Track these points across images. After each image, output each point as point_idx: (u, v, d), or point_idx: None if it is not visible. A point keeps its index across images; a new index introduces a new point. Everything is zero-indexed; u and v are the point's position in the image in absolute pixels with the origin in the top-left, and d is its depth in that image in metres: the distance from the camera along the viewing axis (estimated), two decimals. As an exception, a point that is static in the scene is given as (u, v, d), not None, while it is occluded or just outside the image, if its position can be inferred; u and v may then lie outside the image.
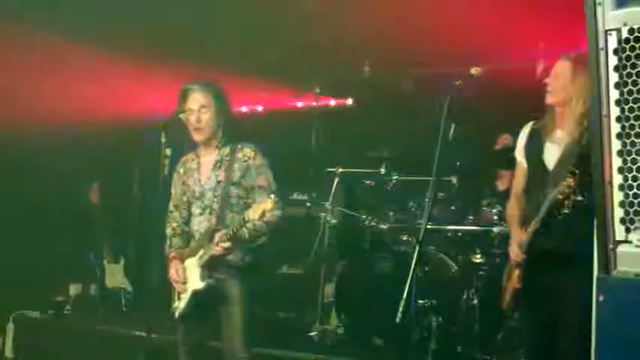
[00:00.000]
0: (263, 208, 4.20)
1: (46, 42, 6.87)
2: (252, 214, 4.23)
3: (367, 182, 6.91)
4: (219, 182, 4.58)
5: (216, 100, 4.61)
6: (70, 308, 7.60)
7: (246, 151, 4.61)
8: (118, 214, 8.61)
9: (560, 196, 3.60)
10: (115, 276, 7.90)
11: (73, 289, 7.86)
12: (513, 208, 4.30)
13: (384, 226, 6.55)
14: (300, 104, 8.56)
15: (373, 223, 6.57)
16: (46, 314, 7.44)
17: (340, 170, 6.74)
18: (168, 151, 4.72)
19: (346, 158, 6.92)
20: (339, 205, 6.85)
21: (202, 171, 4.68)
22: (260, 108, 9.36)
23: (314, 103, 6.87)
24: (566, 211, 3.59)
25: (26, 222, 7.78)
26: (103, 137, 7.87)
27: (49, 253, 7.80)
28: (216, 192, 4.58)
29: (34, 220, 7.85)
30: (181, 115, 4.64)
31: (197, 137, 4.65)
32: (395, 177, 6.63)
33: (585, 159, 3.75)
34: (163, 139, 4.72)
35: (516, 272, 4.10)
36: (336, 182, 6.71)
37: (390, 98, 7.86)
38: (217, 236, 4.41)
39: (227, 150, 4.64)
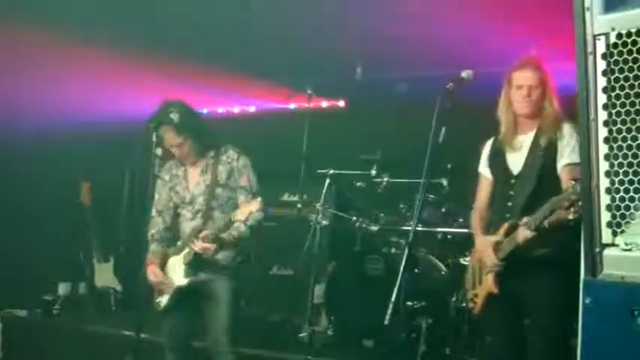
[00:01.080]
0: (250, 209, 4.28)
1: (38, 41, 6.85)
2: (240, 215, 4.33)
3: (358, 184, 6.91)
4: (207, 186, 4.68)
5: (190, 131, 4.68)
6: (58, 307, 7.57)
7: (230, 153, 4.75)
8: (108, 214, 8.59)
9: (566, 203, 3.59)
10: (105, 275, 7.87)
11: (62, 289, 7.83)
12: (477, 220, 4.41)
13: (374, 228, 6.55)
14: (292, 106, 8.55)
15: (364, 225, 6.57)
16: (35, 313, 7.42)
17: (331, 172, 6.74)
18: (158, 151, 4.76)
19: (337, 160, 6.92)
20: (330, 206, 6.85)
21: (190, 178, 4.79)
22: (252, 109, 9.36)
23: (306, 105, 6.86)
24: (570, 217, 3.59)
25: (15, 220, 7.75)
26: (93, 136, 7.85)
27: (37, 252, 7.76)
28: (205, 195, 4.68)
29: (23, 219, 7.82)
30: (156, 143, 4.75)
31: (188, 162, 4.79)
32: (386, 179, 6.64)
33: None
34: (154, 139, 4.75)
35: (490, 277, 4.13)
36: (327, 184, 6.72)
37: (382, 100, 7.87)
38: (201, 235, 4.49)
39: (211, 153, 4.76)
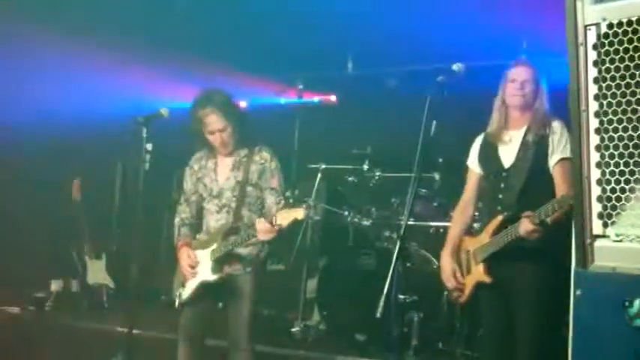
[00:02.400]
0: (295, 216, 4.29)
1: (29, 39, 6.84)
2: (282, 219, 4.30)
3: (350, 179, 6.92)
4: (237, 182, 4.67)
5: (232, 116, 4.67)
6: (51, 304, 7.55)
7: (264, 154, 4.74)
8: (100, 210, 8.56)
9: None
10: (97, 272, 7.85)
11: (55, 286, 7.80)
12: (458, 213, 4.55)
13: (366, 223, 6.57)
14: (283, 101, 8.53)
15: (356, 220, 6.58)
16: (27, 311, 7.39)
17: (323, 167, 6.74)
18: (149, 146, 4.74)
19: (329, 155, 6.91)
20: (322, 201, 6.85)
21: (220, 171, 4.77)
22: (243, 104, 9.32)
23: (297, 100, 6.86)
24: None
25: (6, 217, 7.72)
26: (84, 133, 7.83)
27: (30, 249, 7.74)
28: (234, 192, 4.67)
29: (15, 216, 7.80)
30: (193, 129, 4.73)
31: (223, 152, 4.75)
32: (378, 173, 6.65)
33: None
34: (144, 134, 4.74)
35: (481, 267, 4.19)
36: (318, 179, 6.71)
37: (374, 95, 7.87)
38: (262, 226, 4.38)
39: (245, 151, 4.74)
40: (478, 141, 4.48)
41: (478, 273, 4.22)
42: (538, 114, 4.16)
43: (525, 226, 3.92)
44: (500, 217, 4.13)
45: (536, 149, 4.11)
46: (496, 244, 4.11)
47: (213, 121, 4.62)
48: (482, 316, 4.46)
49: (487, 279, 4.16)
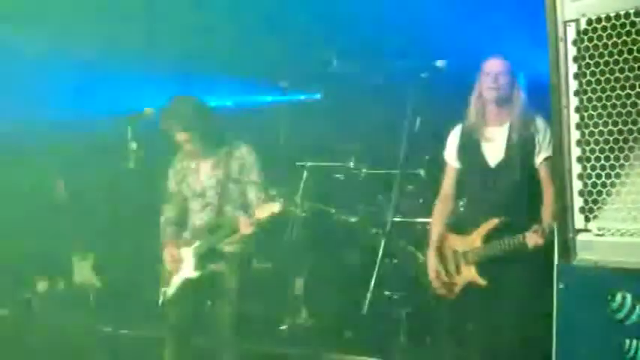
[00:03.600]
0: (272, 210, 4.42)
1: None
2: (260, 213, 4.44)
3: (336, 176, 6.91)
4: (219, 180, 4.74)
5: (198, 125, 4.72)
6: (37, 305, 7.53)
7: (243, 151, 4.82)
8: (87, 210, 8.53)
9: None
10: (84, 272, 7.83)
11: (41, 286, 7.78)
12: (439, 211, 4.54)
13: (353, 220, 6.57)
14: (268, 99, 8.53)
15: (342, 217, 6.58)
16: (14, 311, 7.36)
17: (309, 164, 6.73)
18: (134, 145, 4.77)
19: (315, 152, 6.91)
20: (308, 198, 6.85)
21: (202, 170, 4.83)
22: (229, 103, 9.31)
23: (282, 98, 6.85)
24: None
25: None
26: (69, 132, 7.80)
27: (15, 249, 7.71)
28: (217, 189, 4.74)
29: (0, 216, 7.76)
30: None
31: (192, 157, 4.83)
32: (364, 170, 6.65)
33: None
34: (129, 134, 4.76)
35: (473, 269, 4.20)
36: (304, 176, 6.71)
37: (358, 91, 7.86)
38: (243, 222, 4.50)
39: (224, 149, 4.81)
40: (455, 134, 4.44)
41: (470, 274, 4.22)
42: (517, 109, 4.15)
43: (535, 240, 3.92)
44: (495, 221, 4.13)
45: (521, 148, 4.11)
46: (492, 251, 4.12)
47: (176, 132, 4.71)
48: (472, 314, 4.44)
49: (482, 282, 4.17)
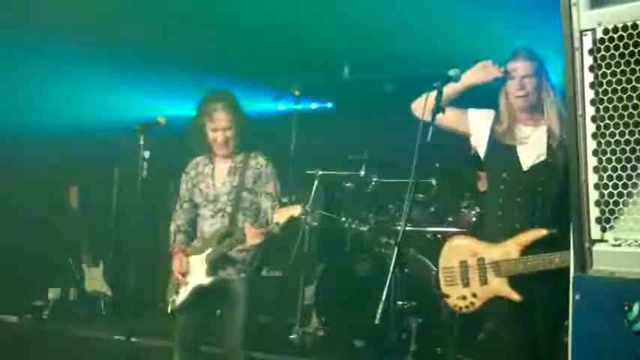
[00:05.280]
0: (291, 213, 4.35)
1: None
2: (279, 217, 4.38)
3: (347, 184, 6.92)
4: (233, 187, 4.71)
5: (237, 118, 4.74)
6: (48, 313, 7.54)
7: (260, 160, 4.80)
8: (98, 218, 8.55)
9: None
10: (95, 280, 7.85)
11: (52, 294, 7.80)
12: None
13: (363, 228, 6.56)
14: (280, 107, 8.54)
15: (353, 226, 6.58)
16: (25, 319, 7.38)
17: (320, 173, 6.74)
18: (146, 154, 4.77)
19: (326, 161, 6.91)
20: (319, 207, 6.85)
21: (217, 176, 4.80)
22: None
23: (294, 106, 6.85)
24: None
25: (3, 226, 7.71)
26: (81, 140, 7.83)
27: (27, 258, 7.73)
28: (230, 197, 4.70)
29: (12, 224, 7.78)
30: (197, 123, 4.76)
31: (220, 152, 4.78)
32: (375, 179, 6.64)
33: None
34: (141, 142, 4.76)
35: (505, 282, 3.84)
36: (315, 185, 6.71)
37: (370, 101, 7.87)
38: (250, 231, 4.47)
39: (240, 157, 4.79)
40: (488, 122, 4.10)
41: (500, 287, 3.86)
42: (553, 112, 3.88)
43: None
44: (543, 232, 3.78)
45: (563, 154, 3.73)
46: (533, 267, 3.76)
47: (221, 117, 4.68)
48: (498, 329, 4.18)
49: (517, 297, 3.80)
